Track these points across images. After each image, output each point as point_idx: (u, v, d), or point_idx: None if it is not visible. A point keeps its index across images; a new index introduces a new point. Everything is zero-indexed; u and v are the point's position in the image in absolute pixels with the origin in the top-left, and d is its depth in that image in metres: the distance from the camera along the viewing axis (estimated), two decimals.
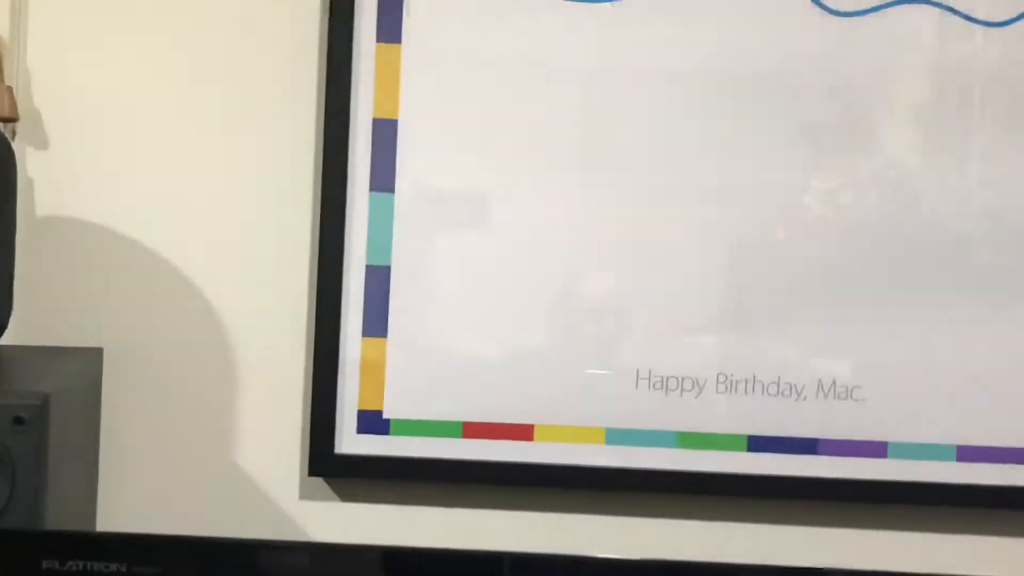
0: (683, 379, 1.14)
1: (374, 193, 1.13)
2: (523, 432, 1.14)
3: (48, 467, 0.81)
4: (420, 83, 1.12)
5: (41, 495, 0.79)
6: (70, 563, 0.65)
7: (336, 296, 1.12)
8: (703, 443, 1.15)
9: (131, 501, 1.14)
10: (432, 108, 1.13)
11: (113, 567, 0.64)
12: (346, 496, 1.17)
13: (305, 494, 1.16)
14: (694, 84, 1.12)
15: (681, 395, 1.14)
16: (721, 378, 1.14)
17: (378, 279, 1.13)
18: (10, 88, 1.08)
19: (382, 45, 1.12)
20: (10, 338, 1.09)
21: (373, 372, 1.14)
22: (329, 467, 1.14)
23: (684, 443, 1.15)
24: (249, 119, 1.13)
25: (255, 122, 1.13)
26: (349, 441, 1.14)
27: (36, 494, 0.79)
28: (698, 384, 1.14)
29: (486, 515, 1.17)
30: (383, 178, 1.13)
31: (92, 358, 1.04)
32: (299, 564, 0.65)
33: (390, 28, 1.11)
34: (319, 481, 1.16)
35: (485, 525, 1.17)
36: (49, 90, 1.11)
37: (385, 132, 1.12)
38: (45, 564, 0.66)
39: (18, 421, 0.79)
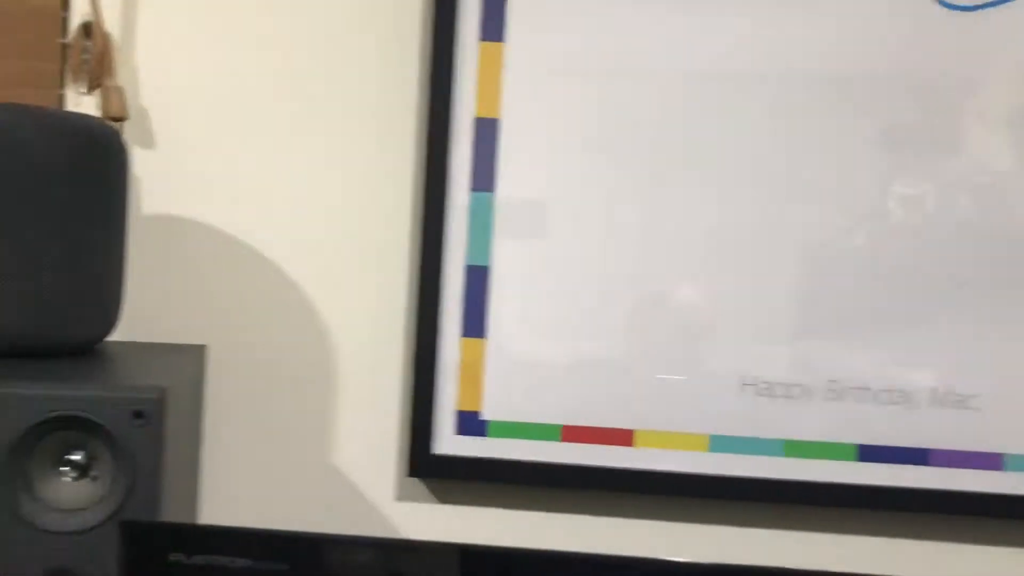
0: (791, 385, 1.11)
1: (475, 192, 1.12)
2: (623, 437, 1.12)
3: (165, 462, 0.81)
4: (523, 82, 1.11)
5: (159, 489, 0.80)
6: (196, 557, 0.65)
7: (435, 296, 1.12)
8: (810, 452, 1.11)
9: (231, 497, 1.15)
10: (534, 107, 1.11)
11: (239, 562, 0.64)
12: (443, 497, 1.16)
13: (402, 495, 1.16)
14: (786, 83, 1.10)
15: (788, 402, 1.11)
16: (831, 385, 1.10)
17: (477, 279, 1.12)
18: (120, 88, 1.09)
19: (485, 43, 1.11)
20: (116, 334, 1.11)
21: (471, 373, 1.13)
22: (426, 468, 1.13)
23: (790, 451, 1.12)
24: (351, 118, 1.14)
25: (357, 121, 1.13)
26: (446, 442, 1.13)
27: (154, 488, 0.80)
28: (806, 391, 1.11)
29: (583, 520, 1.15)
30: (483, 177, 1.12)
31: (196, 355, 1.04)
32: (441, 568, 0.64)
33: (494, 26, 1.11)
34: (416, 482, 1.15)
35: (582, 530, 1.15)
36: (157, 90, 1.13)
37: (486, 131, 1.11)
38: (172, 557, 0.66)
39: (138, 415, 0.79)
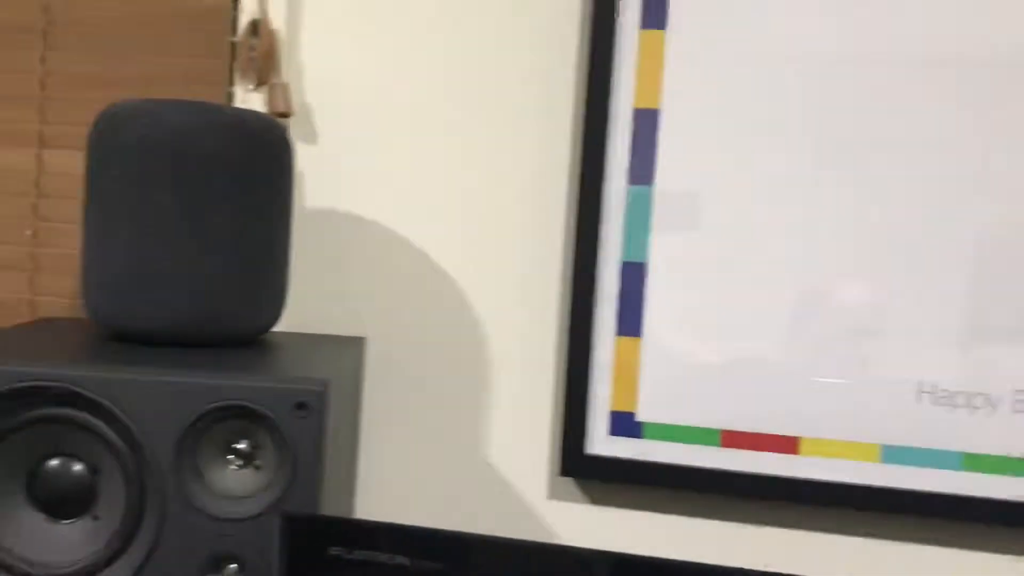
0: (973, 395, 1.02)
1: (632, 186, 1.08)
2: (788, 444, 1.07)
3: (326, 454, 0.82)
4: (684, 71, 1.07)
5: (320, 481, 0.81)
6: (355, 552, 0.65)
7: (590, 293, 1.09)
8: (992, 466, 1.03)
9: (384, 490, 1.16)
10: (696, 97, 1.07)
11: (397, 559, 0.64)
12: (595, 498, 1.13)
13: (554, 494, 1.14)
14: (962, 69, 1.01)
15: (970, 412, 1.02)
16: (1019, 395, 1.01)
17: (634, 276, 1.09)
18: (286, 84, 1.12)
19: (646, 32, 1.07)
20: (279, 325, 1.14)
21: (626, 373, 1.09)
22: (579, 468, 1.11)
23: (969, 465, 1.03)
24: (508, 111, 1.12)
25: (514, 115, 1.12)
26: (600, 442, 1.10)
27: (314, 479, 0.80)
28: (990, 401, 1.02)
29: (742, 530, 1.10)
30: (642, 170, 1.08)
31: (356, 347, 1.06)
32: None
33: (655, 14, 1.07)
34: (569, 481, 1.13)
35: (740, 540, 1.10)
36: (321, 86, 1.15)
37: (646, 122, 1.08)
38: (332, 551, 0.66)
39: (300, 407, 0.80)
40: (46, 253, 1.19)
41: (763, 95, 1.06)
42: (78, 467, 0.83)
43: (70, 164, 1.19)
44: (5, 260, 1.20)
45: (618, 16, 1.07)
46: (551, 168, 1.12)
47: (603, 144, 1.08)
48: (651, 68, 1.07)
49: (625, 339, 1.09)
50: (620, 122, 1.08)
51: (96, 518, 0.83)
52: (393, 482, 1.16)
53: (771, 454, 1.07)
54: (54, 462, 0.83)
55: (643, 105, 1.08)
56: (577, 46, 1.11)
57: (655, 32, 1.07)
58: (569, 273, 1.12)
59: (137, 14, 1.17)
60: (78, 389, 0.80)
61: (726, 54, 1.06)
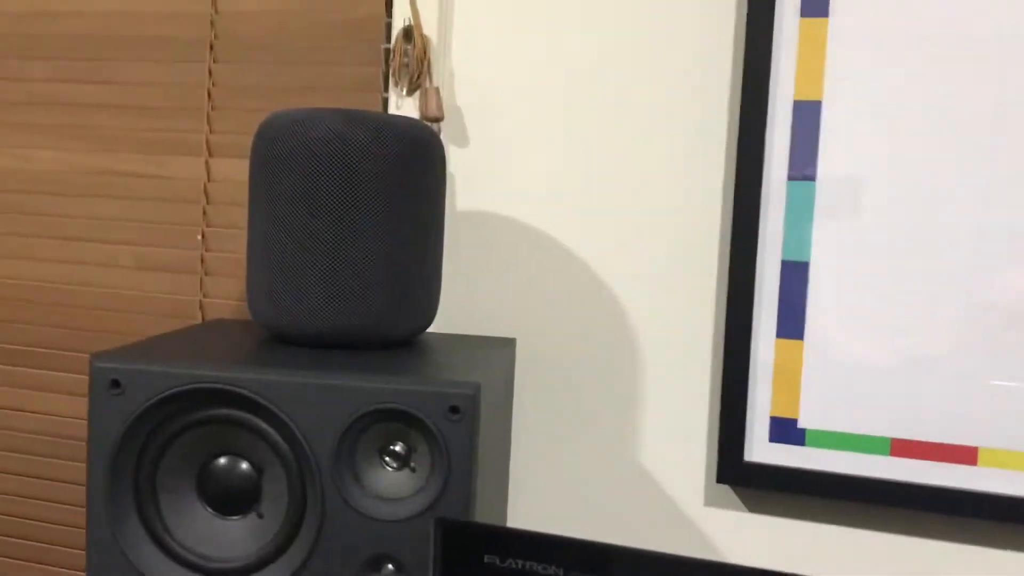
0: None
1: (793, 181, 1.04)
2: (965, 455, 0.99)
3: (478, 457, 0.82)
4: (848, 60, 1.01)
5: (473, 485, 0.81)
6: (510, 560, 0.64)
7: (748, 294, 1.05)
8: None
9: (536, 496, 1.15)
10: (861, 88, 1.01)
11: (552, 570, 0.63)
12: (754, 507, 1.09)
13: (711, 501, 1.10)
14: None
15: None
16: None
17: (795, 276, 1.04)
18: (437, 89, 1.13)
19: (807, 20, 1.02)
20: (431, 326, 1.15)
21: (788, 377, 1.05)
22: (737, 475, 1.07)
23: None
24: (661, 107, 1.09)
25: (667, 110, 1.09)
26: (760, 449, 1.06)
27: (467, 482, 0.81)
28: None
29: (911, 543, 1.04)
30: (803, 165, 1.03)
31: (507, 349, 1.05)
32: None
33: (816, 1, 1.02)
34: (726, 489, 1.10)
35: (909, 555, 1.03)
36: (471, 89, 1.15)
37: (807, 114, 1.03)
38: (487, 558, 0.66)
39: (454, 410, 0.80)
40: (214, 257, 1.25)
41: (933, 82, 0.99)
42: (244, 466, 0.86)
43: (235, 171, 1.24)
44: (178, 264, 1.26)
45: (776, 4, 1.02)
46: (706, 164, 1.08)
47: (761, 138, 1.04)
48: (812, 57, 1.02)
49: (786, 341, 1.05)
50: (779, 115, 1.03)
51: (260, 516, 0.86)
52: (544, 487, 1.15)
53: (946, 465, 1.00)
54: (222, 460, 0.86)
55: (804, 97, 1.03)
56: (733, 37, 1.07)
57: (816, 20, 1.02)
58: (726, 272, 1.08)
59: (296, 26, 1.21)
60: (243, 391, 0.83)
61: (892, 40, 1.00)
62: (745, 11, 1.05)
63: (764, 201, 1.04)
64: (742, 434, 1.06)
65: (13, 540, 1.35)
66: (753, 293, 1.05)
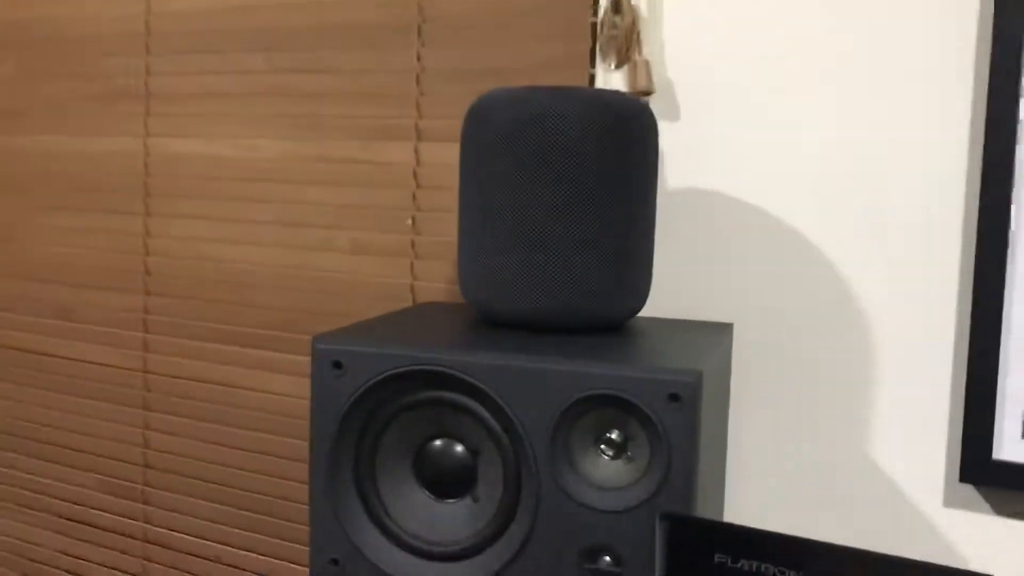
0: None
1: None
2: None
3: (699, 448, 0.78)
4: None
5: (693, 477, 0.76)
6: (743, 561, 0.60)
7: (999, 272, 0.95)
8: None
9: (755, 491, 1.09)
10: None
11: (789, 573, 0.58)
12: (1001, 509, 0.99)
13: (951, 501, 1.01)
14: None
15: None
16: None
17: None
18: (647, 62, 1.08)
19: None
20: (643, 311, 1.11)
21: None
22: (984, 474, 0.97)
23: None
24: (896, 80, 1.00)
25: (903, 84, 1.00)
26: (1011, 446, 0.96)
27: (688, 473, 0.76)
28: None
29: None
30: None
31: (724, 335, 1.00)
32: None
33: None
34: (970, 489, 1.00)
35: None
36: (682, 63, 1.10)
37: None
38: (717, 557, 0.61)
39: (674, 398, 0.76)
40: (424, 240, 1.26)
41: None
42: (460, 449, 0.85)
43: (443, 155, 1.24)
44: (390, 247, 1.29)
45: None
46: (948, 140, 0.98)
47: (1014, 124, 0.92)
48: None
49: None
50: None
51: (476, 500, 0.85)
52: (764, 482, 1.09)
53: None
54: (438, 443, 0.86)
55: None
56: (977, 29, 0.96)
57: None
58: (972, 253, 0.98)
59: (501, 5, 1.19)
60: (461, 374, 0.82)
61: None
62: (992, 7, 0.94)
63: (1018, 176, 0.93)
64: (991, 429, 0.96)
65: (237, 511, 1.43)
66: (1004, 272, 0.94)
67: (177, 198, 1.45)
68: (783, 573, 0.58)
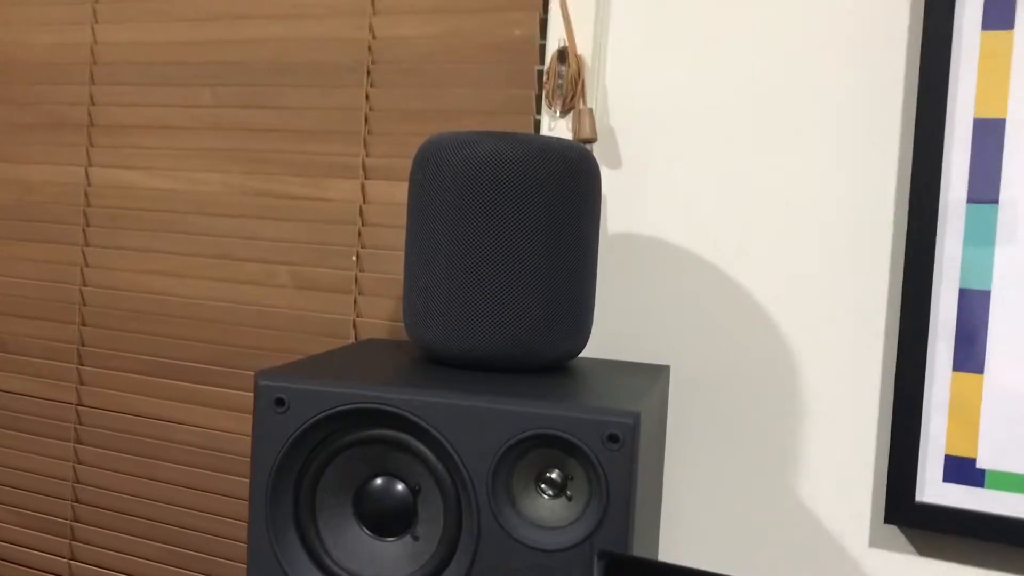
0: None
1: (972, 204, 0.97)
2: None
3: (637, 488, 0.79)
4: None
5: (631, 516, 0.78)
6: None
7: (923, 323, 0.99)
8: None
9: (688, 531, 1.12)
10: None
11: None
12: (924, 550, 1.02)
13: (877, 542, 1.04)
14: None
15: None
16: None
17: (974, 305, 0.97)
18: (591, 110, 1.12)
19: (989, 33, 0.96)
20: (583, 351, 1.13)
21: (965, 413, 0.98)
22: (907, 516, 1.00)
23: None
24: (826, 125, 1.05)
25: (832, 128, 1.04)
26: (933, 489, 0.99)
27: (626, 515, 0.78)
28: None
29: None
30: (984, 187, 0.97)
31: (661, 376, 1.02)
32: None
33: (1000, 13, 0.95)
34: (894, 530, 1.03)
35: None
36: (624, 111, 1.13)
37: (989, 134, 0.96)
38: None
39: (613, 439, 0.78)
40: (368, 277, 1.27)
41: None
42: (400, 487, 0.86)
43: (390, 193, 1.26)
44: (333, 283, 1.29)
45: (956, 17, 0.97)
46: (877, 186, 1.03)
47: (938, 158, 0.98)
48: (995, 72, 0.96)
49: (964, 375, 0.98)
50: (958, 133, 0.97)
51: (416, 538, 0.86)
52: (697, 521, 1.11)
53: None
54: (379, 481, 0.87)
55: (985, 115, 0.96)
56: (906, 52, 1.01)
57: (1001, 33, 0.96)
58: (898, 300, 1.02)
59: (450, 49, 1.22)
60: (405, 412, 0.83)
61: None
62: (921, 24, 1.00)
63: (941, 224, 0.98)
64: (914, 472, 0.99)
65: (172, 548, 1.40)
66: (928, 322, 0.99)
67: (118, 229, 1.43)
68: None
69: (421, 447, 0.84)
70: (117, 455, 1.44)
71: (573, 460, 0.81)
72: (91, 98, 1.44)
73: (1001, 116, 0.96)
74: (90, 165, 1.45)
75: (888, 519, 1.01)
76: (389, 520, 0.86)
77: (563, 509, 0.82)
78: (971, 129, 0.97)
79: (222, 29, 1.35)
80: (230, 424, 1.36)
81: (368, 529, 0.87)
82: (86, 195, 1.45)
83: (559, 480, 0.82)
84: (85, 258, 1.45)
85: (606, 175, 1.14)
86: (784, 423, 1.07)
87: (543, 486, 0.82)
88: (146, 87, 1.40)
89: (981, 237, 0.97)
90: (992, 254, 0.97)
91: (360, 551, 0.87)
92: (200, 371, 1.38)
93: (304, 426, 0.85)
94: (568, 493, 0.82)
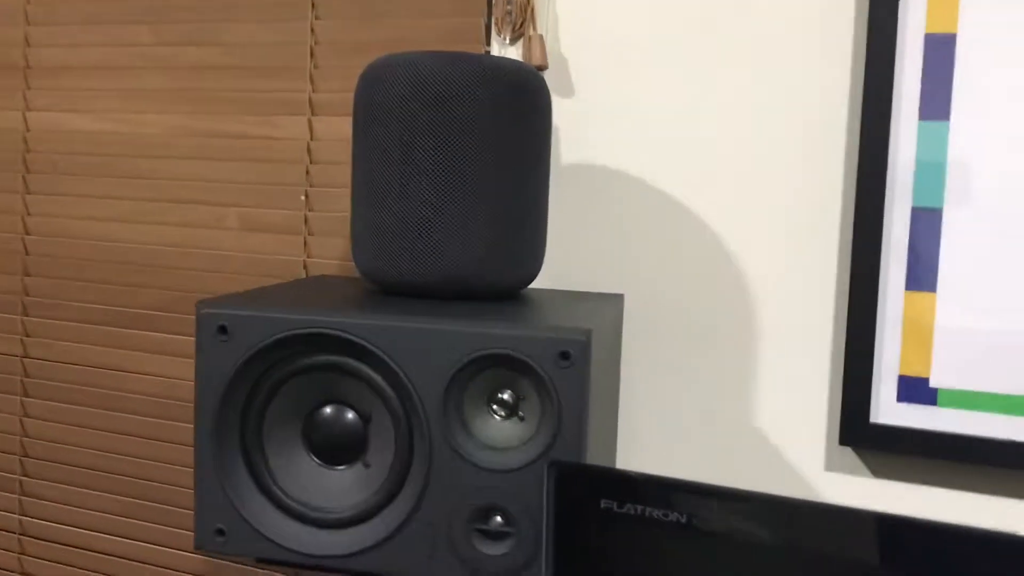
0: None
1: (924, 122, 0.96)
2: None
3: (589, 405, 0.78)
4: None
5: (584, 433, 0.77)
6: (628, 506, 0.61)
7: (875, 243, 0.98)
8: None
9: (645, 455, 1.11)
10: (1001, 21, 0.93)
11: (672, 516, 0.59)
12: (879, 471, 1.03)
13: (832, 465, 1.04)
14: None
15: None
16: None
17: (927, 223, 0.97)
18: (541, 36, 1.09)
19: None
20: (536, 282, 1.12)
21: (918, 332, 0.98)
22: (862, 438, 1.00)
23: None
24: (779, 44, 1.03)
25: (785, 47, 1.03)
26: (887, 410, 1.00)
27: (579, 430, 0.77)
28: None
29: None
30: (936, 104, 0.96)
31: (615, 304, 1.01)
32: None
33: None
34: (849, 452, 1.03)
35: None
36: (576, 38, 1.11)
37: (940, 49, 0.95)
38: (603, 503, 0.62)
39: (564, 356, 0.77)
40: (318, 216, 1.24)
41: None
42: (350, 415, 0.84)
43: (338, 130, 1.23)
44: (282, 224, 1.26)
45: None
46: (830, 101, 1.02)
47: (890, 73, 0.97)
48: None
49: (916, 294, 0.98)
50: (909, 49, 0.96)
51: (367, 465, 0.84)
52: (653, 446, 1.11)
53: None
54: (328, 409, 0.85)
55: (937, 30, 0.96)
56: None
57: None
58: (851, 220, 1.02)
59: None
60: (350, 336, 0.81)
61: None
62: None
63: (893, 142, 0.98)
64: (868, 394, 1.00)
65: (128, 499, 1.38)
66: (880, 242, 0.98)
67: (59, 175, 1.39)
68: (666, 516, 0.59)
69: (370, 372, 0.82)
70: (66, 407, 1.40)
71: (525, 380, 0.80)
72: (26, 39, 1.39)
73: (951, 31, 0.95)
74: (28, 109, 1.40)
75: (843, 441, 1.01)
76: (339, 448, 0.85)
77: (516, 429, 0.81)
78: (923, 45, 0.96)
79: None
80: (183, 371, 1.33)
81: (318, 458, 0.85)
82: (25, 140, 1.40)
83: (511, 401, 0.81)
84: (26, 206, 1.41)
85: (558, 104, 1.12)
86: (740, 348, 1.07)
87: (495, 407, 0.81)
88: (83, 26, 1.36)
89: (933, 155, 0.96)
90: (944, 172, 0.96)
91: (310, 480, 0.85)
92: (150, 318, 1.35)
93: (248, 354, 0.82)
94: (520, 413, 0.81)
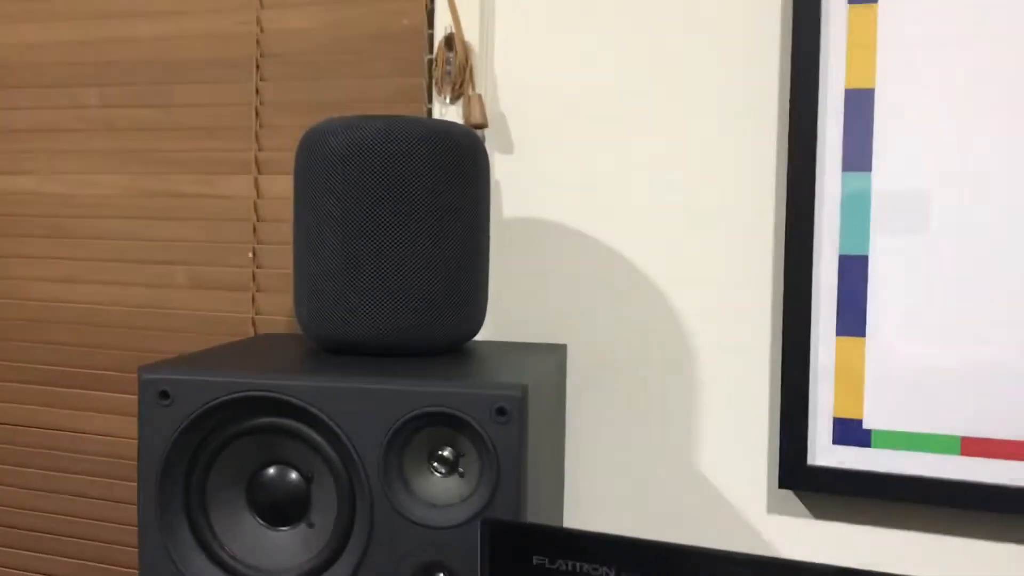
0: None
1: (848, 173, 1.00)
2: None
3: (528, 459, 0.80)
4: (901, 47, 0.98)
5: (523, 488, 0.79)
6: (559, 561, 0.62)
7: (806, 290, 1.02)
8: None
9: (593, 505, 1.13)
10: (916, 76, 0.98)
11: (602, 571, 0.60)
12: (819, 512, 1.05)
13: (774, 508, 1.07)
14: None
15: None
16: None
17: (854, 271, 1.00)
18: (480, 96, 1.12)
19: (856, 6, 0.99)
20: (479, 334, 1.13)
21: (850, 376, 1.01)
22: (800, 480, 1.03)
23: None
24: (707, 101, 1.07)
25: (714, 104, 1.07)
26: (823, 452, 1.02)
27: (517, 485, 0.79)
28: None
29: (987, 548, 0.99)
30: (858, 156, 1.00)
31: (558, 355, 1.03)
32: None
33: None
34: (790, 494, 1.06)
35: (983, 559, 0.98)
36: (514, 96, 1.14)
37: (860, 104, 1.00)
38: (536, 560, 0.64)
39: (501, 412, 0.79)
40: (266, 273, 1.25)
41: (991, 73, 0.95)
42: (293, 475, 0.85)
43: (284, 188, 1.24)
44: (230, 282, 1.27)
45: None
46: (758, 156, 1.06)
47: (813, 127, 1.01)
48: (863, 45, 0.99)
49: (847, 339, 1.01)
50: (831, 103, 1.01)
51: (311, 525, 0.85)
52: (600, 496, 1.13)
53: (1022, 464, 0.95)
54: (271, 470, 0.86)
55: (856, 85, 1.00)
56: (780, 28, 1.04)
57: (867, 6, 0.99)
58: (782, 270, 1.05)
59: (338, 40, 1.21)
60: (290, 398, 0.82)
61: (947, 29, 0.97)
62: (791, 1, 1.03)
63: (819, 192, 1.01)
64: (804, 437, 1.02)
65: (78, 561, 1.37)
66: (811, 290, 1.02)
67: (9, 237, 1.39)
68: (596, 571, 0.61)
69: (311, 433, 0.83)
70: (16, 469, 1.39)
71: (464, 437, 0.81)
72: None
73: (870, 86, 0.99)
74: None
75: (783, 484, 1.03)
76: (283, 509, 0.85)
77: (456, 486, 0.82)
78: (843, 100, 1.00)
79: (107, 28, 1.32)
80: (129, 430, 1.33)
81: (262, 519, 0.86)
82: None
83: (451, 457, 0.82)
84: None
85: (499, 160, 1.15)
86: (681, 395, 1.09)
87: (435, 464, 0.82)
88: (31, 89, 1.37)
89: (857, 204, 1.00)
90: (868, 221, 1.00)
91: (255, 542, 0.86)
92: (100, 378, 1.35)
93: (189, 418, 0.83)
94: (460, 470, 0.82)
